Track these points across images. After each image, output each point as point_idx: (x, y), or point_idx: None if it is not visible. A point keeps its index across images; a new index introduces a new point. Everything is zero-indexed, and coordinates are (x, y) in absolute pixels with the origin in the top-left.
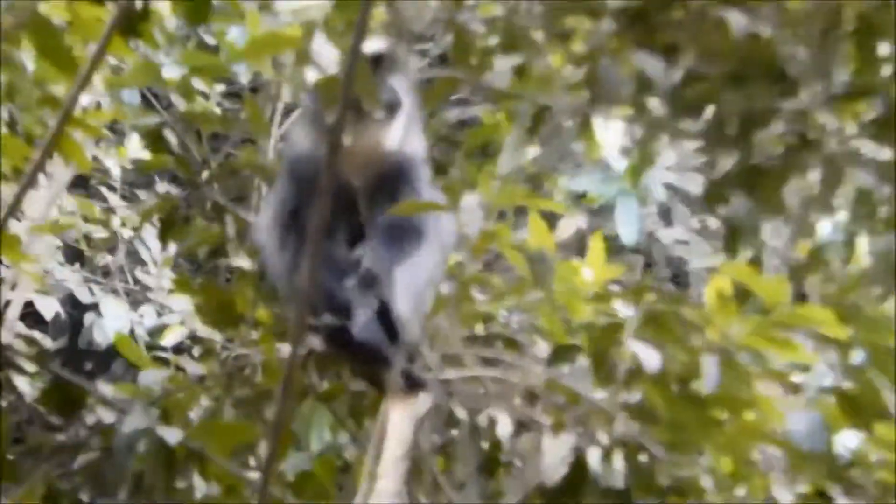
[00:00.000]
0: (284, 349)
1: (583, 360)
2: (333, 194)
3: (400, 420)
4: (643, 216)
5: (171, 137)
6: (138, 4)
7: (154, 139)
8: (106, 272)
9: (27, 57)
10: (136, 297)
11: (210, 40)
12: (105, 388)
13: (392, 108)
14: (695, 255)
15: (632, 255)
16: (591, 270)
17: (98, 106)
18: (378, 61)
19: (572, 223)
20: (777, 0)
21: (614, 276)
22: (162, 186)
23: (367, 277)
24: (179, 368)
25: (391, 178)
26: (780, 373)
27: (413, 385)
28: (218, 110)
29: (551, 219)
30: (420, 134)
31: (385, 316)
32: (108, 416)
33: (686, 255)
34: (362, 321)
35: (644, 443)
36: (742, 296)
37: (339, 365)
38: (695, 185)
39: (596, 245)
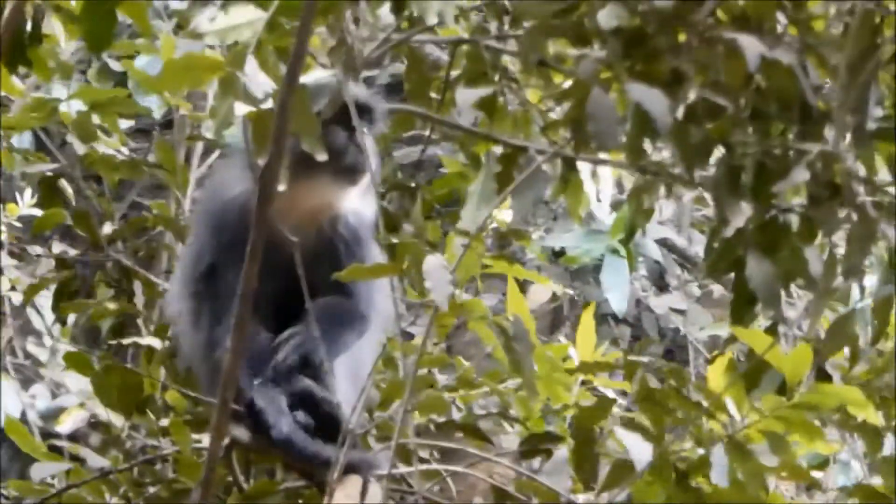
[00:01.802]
0: (204, 439)
1: (561, 453)
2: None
3: None
4: (632, 279)
5: (67, 186)
6: (27, 25)
7: (48, 190)
8: None
9: None
10: (27, 375)
11: (116, 66)
12: None
13: (354, 171)
14: (693, 326)
15: (617, 326)
16: (579, 350)
17: None
18: (355, 112)
19: (546, 288)
20: (800, 20)
21: (604, 356)
22: (58, 246)
23: (284, 367)
24: (77, 459)
25: (335, 244)
26: (797, 467)
27: (356, 474)
28: (124, 150)
29: (521, 282)
30: (373, 192)
31: (318, 408)
32: None
33: (683, 326)
34: (277, 419)
35: None
36: (755, 373)
37: (269, 458)
38: (695, 242)
39: (586, 320)
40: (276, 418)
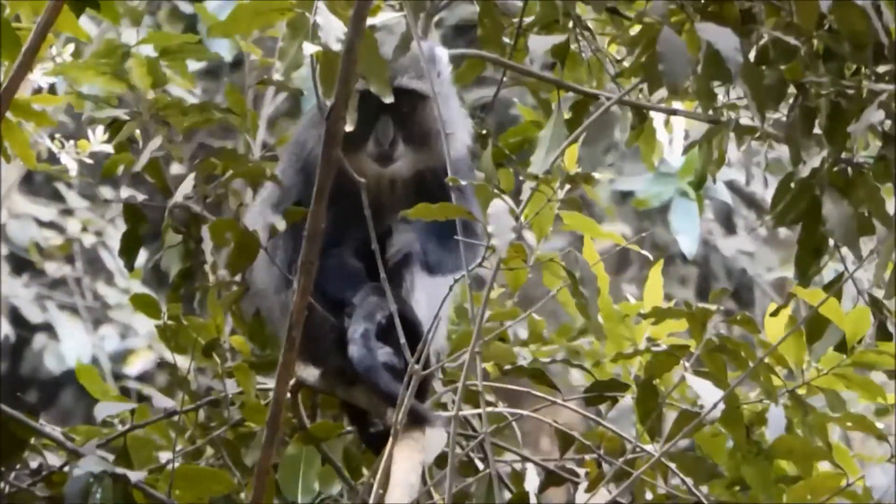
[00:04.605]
0: (270, 382)
1: (626, 401)
2: (343, 198)
3: (406, 467)
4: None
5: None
6: None
7: (116, 133)
8: (55, 284)
9: None
10: (97, 316)
11: (186, 7)
12: (53, 425)
13: (386, 159)
14: (760, 267)
15: (685, 266)
16: (647, 305)
17: (52, 90)
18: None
19: (614, 230)
20: None
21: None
22: (126, 190)
23: (377, 296)
24: (144, 399)
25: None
26: (861, 417)
27: (421, 421)
28: (196, 92)
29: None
30: (463, 133)
31: (404, 323)
32: (56, 460)
33: (750, 267)
34: (362, 346)
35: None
36: (815, 328)
37: (335, 402)
38: (763, 185)
39: (654, 277)
40: (363, 347)
